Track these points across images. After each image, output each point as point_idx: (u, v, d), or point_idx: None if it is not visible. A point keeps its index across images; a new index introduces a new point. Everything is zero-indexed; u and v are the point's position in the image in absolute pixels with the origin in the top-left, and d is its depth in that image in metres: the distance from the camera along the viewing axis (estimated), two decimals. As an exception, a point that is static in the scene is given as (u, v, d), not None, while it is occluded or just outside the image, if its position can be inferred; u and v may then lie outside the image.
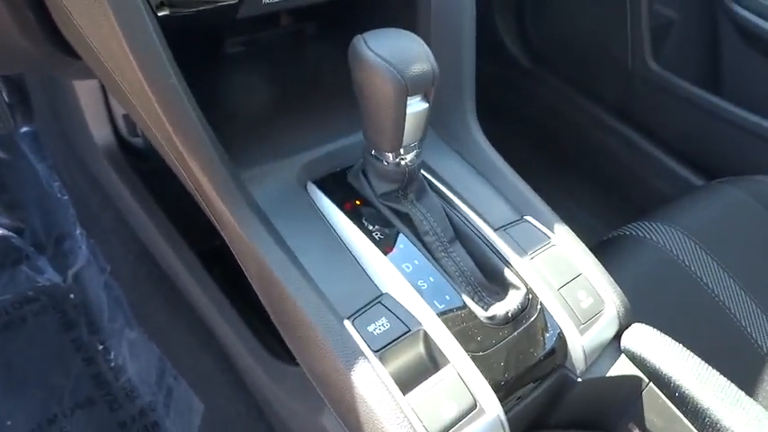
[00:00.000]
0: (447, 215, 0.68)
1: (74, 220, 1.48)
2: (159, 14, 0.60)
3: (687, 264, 1.03)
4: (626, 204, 1.76)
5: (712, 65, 1.63)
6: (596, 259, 0.70)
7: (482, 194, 0.73)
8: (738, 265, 1.03)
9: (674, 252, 1.04)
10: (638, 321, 0.69)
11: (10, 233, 1.53)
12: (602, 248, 1.07)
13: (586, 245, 0.71)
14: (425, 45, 0.60)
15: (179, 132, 0.60)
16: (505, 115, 1.95)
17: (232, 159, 0.64)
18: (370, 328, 0.57)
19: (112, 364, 1.32)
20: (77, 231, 1.47)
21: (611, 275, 0.69)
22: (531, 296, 0.64)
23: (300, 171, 0.70)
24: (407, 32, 0.60)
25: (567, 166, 1.89)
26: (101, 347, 1.35)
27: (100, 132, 1.18)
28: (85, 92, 1.13)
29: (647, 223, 1.09)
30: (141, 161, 1.23)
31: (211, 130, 0.62)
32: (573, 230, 0.72)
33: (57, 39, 0.69)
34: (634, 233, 1.09)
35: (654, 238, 1.07)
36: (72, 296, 1.42)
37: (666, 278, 1.02)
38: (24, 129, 1.56)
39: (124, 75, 0.60)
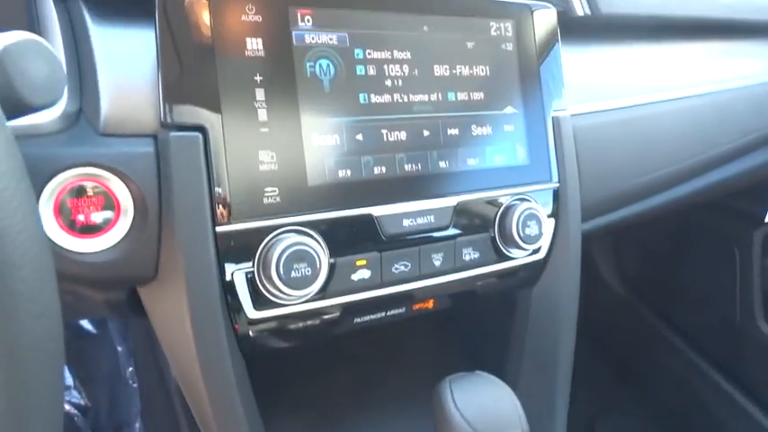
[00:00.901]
0: None
1: (137, 411, 1.46)
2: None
3: None
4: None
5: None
6: None
7: None
8: None
9: None
10: None
11: (76, 411, 1.53)
12: None
13: None
14: (519, 406, 0.54)
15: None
16: (593, 337, 1.85)
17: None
18: None
19: None
20: (137, 425, 1.45)
21: None
22: None
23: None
24: (499, 384, 0.56)
25: (645, 401, 1.73)
26: None
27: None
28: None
29: None
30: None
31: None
32: None
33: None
34: None
35: None
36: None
37: None
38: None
39: (184, 367, 0.59)
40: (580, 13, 0.85)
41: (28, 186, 0.30)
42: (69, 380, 1.56)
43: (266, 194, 0.60)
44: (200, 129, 0.57)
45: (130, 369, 1.57)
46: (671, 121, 0.97)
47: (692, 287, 1.75)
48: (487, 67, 0.74)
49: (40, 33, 0.59)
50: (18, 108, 0.38)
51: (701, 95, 1.01)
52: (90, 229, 0.56)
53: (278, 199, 0.60)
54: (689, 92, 0.99)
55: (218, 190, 0.58)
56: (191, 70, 0.57)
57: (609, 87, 0.90)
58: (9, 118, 0.39)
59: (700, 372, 1.71)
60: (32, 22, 0.59)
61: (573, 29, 0.85)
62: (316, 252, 0.60)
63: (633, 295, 1.94)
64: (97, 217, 0.56)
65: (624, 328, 1.94)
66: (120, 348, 1.62)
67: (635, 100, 0.92)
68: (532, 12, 0.78)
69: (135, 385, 1.53)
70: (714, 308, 1.64)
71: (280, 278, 0.58)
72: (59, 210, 0.54)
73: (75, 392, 1.57)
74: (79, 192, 0.55)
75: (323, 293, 0.64)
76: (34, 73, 0.38)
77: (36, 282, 0.28)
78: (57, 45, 0.58)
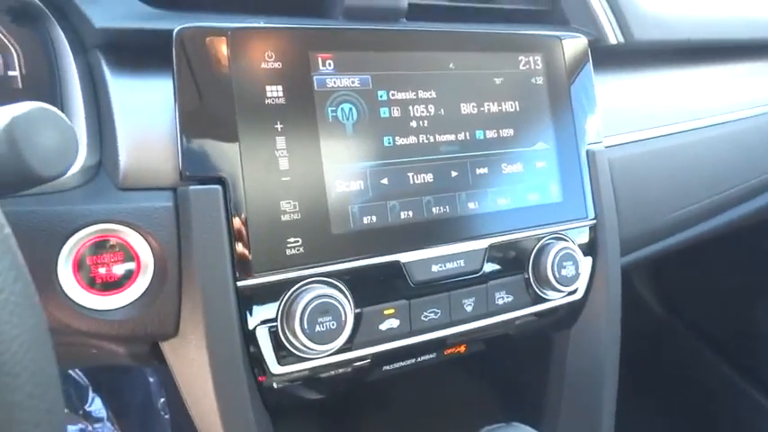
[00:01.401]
0: None
1: (169, 443, 1.46)
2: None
3: None
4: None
5: None
6: None
7: None
8: None
9: None
10: None
11: (110, 444, 1.53)
12: None
13: None
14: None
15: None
16: (632, 361, 1.78)
17: None
18: None
19: None
20: (169, 456, 1.44)
21: None
22: None
23: None
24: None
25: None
26: None
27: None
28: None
29: None
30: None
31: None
32: None
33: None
34: None
35: None
36: None
37: None
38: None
39: (205, 422, 0.58)
40: (613, 41, 0.81)
41: (25, 285, 0.28)
42: (102, 411, 1.56)
43: (289, 245, 0.58)
44: (220, 180, 0.56)
45: (162, 400, 1.56)
46: (712, 148, 0.92)
47: (736, 310, 1.68)
48: (517, 103, 0.71)
49: (60, 88, 0.58)
50: (28, 180, 0.37)
51: (743, 119, 0.96)
52: (110, 286, 0.54)
53: (301, 249, 0.58)
54: (730, 116, 0.94)
55: (238, 243, 0.56)
56: (210, 121, 0.56)
57: (644, 116, 0.86)
58: (18, 190, 0.38)
59: (752, 400, 1.64)
60: (53, 77, 0.58)
61: (604, 56, 0.82)
62: (341, 303, 0.58)
63: (675, 317, 1.87)
64: (117, 273, 0.55)
65: (666, 352, 1.87)
66: (151, 380, 1.62)
67: (673, 128, 0.88)
68: (562, 42, 0.75)
69: (167, 416, 1.53)
70: (759, 330, 1.57)
71: (304, 332, 0.56)
72: (79, 267, 0.53)
73: (108, 424, 1.57)
74: (99, 248, 0.54)
75: (350, 345, 0.61)
76: (45, 143, 0.37)
77: (34, 389, 0.26)
78: (77, 98, 0.57)
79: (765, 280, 1.53)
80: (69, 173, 0.54)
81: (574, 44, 0.77)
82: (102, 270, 0.54)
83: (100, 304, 0.54)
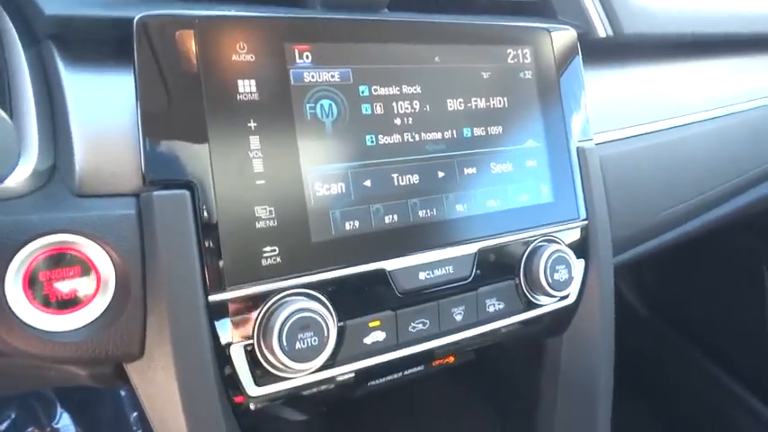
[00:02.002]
0: None
1: (142, 458, 1.39)
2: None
3: None
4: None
5: None
6: None
7: None
8: None
9: None
10: None
11: (79, 461, 1.46)
12: None
13: None
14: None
15: None
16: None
17: None
18: None
19: None
20: (141, 473, 1.38)
21: None
22: None
23: None
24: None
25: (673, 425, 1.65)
26: None
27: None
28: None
29: None
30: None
31: None
32: None
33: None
34: None
35: None
36: None
37: None
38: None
39: None
40: (602, 34, 0.78)
41: None
42: (71, 428, 1.49)
43: (265, 255, 0.53)
44: (188, 185, 0.51)
45: (135, 414, 1.50)
46: (701, 144, 0.89)
47: (718, 306, 1.67)
48: (505, 99, 0.67)
49: (9, 84, 0.52)
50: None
51: (731, 114, 0.94)
52: (66, 304, 0.49)
53: (278, 259, 0.53)
54: (718, 112, 0.92)
55: (209, 254, 0.51)
56: (175, 119, 0.50)
57: (634, 111, 0.83)
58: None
59: (719, 384, 1.64)
60: (0, 72, 0.52)
61: (592, 50, 0.78)
62: (322, 317, 0.53)
63: (656, 315, 1.87)
64: (74, 289, 0.49)
65: (648, 350, 1.86)
66: (123, 393, 1.55)
67: (663, 124, 0.85)
68: (551, 35, 0.72)
69: (139, 432, 1.47)
70: (742, 327, 1.56)
71: (283, 350, 0.51)
72: (30, 283, 0.47)
73: (78, 443, 1.50)
74: (53, 262, 0.48)
75: (332, 361, 0.56)
76: (-22, 144, 0.32)
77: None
78: (27, 95, 0.51)
79: (748, 276, 1.52)
80: (18, 178, 0.48)
81: (563, 37, 0.73)
82: (57, 286, 0.48)
83: (55, 325, 0.49)
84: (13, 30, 0.52)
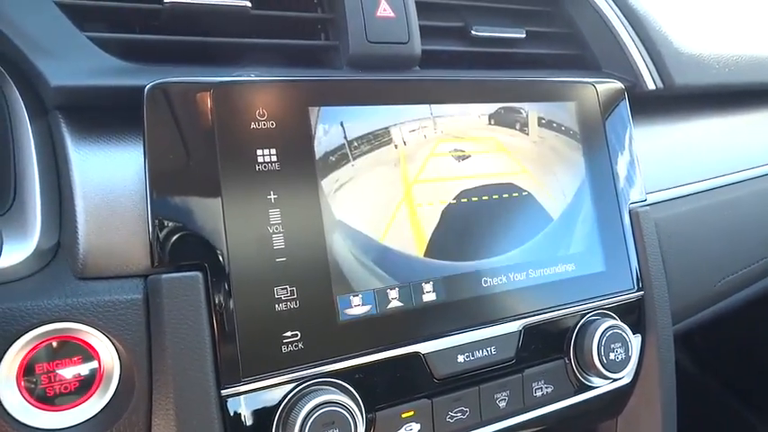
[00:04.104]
0: None
1: None
2: None
3: None
4: None
5: None
6: None
7: None
8: None
9: None
10: None
11: None
12: None
13: None
14: None
15: None
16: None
17: None
18: None
19: None
20: None
21: None
22: None
23: None
24: None
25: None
26: None
27: None
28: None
29: None
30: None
31: None
32: None
33: None
34: None
35: None
36: None
37: None
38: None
39: None
40: (651, 86, 0.72)
41: None
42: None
43: (285, 341, 0.47)
44: (201, 266, 0.46)
45: None
46: (764, 201, 0.82)
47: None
48: (549, 159, 0.62)
49: (15, 158, 0.49)
50: None
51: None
52: (65, 400, 0.44)
53: (300, 345, 0.48)
54: (781, 164, 0.84)
55: (222, 342, 0.46)
56: (188, 194, 0.46)
57: (689, 168, 0.77)
58: None
59: None
60: (7, 145, 0.49)
61: (641, 103, 0.73)
62: (350, 410, 0.47)
63: (706, 374, 1.74)
64: (74, 382, 0.44)
65: (693, 406, 1.73)
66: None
67: (721, 180, 0.78)
68: (597, 88, 0.66)
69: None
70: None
71: (305, 451, 0.45)
72: (25, 376, 0.43)
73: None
74: (52, 351, 0.44)
75: None
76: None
77: None
78: (32, 169, 0.48)
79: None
80: (17, 259, 0.44)
81: (609, 90, 0.68)
82: (55, 379, 0.44)
83: (51, 422, 0.44)
84: (21, 100, 0.48)
